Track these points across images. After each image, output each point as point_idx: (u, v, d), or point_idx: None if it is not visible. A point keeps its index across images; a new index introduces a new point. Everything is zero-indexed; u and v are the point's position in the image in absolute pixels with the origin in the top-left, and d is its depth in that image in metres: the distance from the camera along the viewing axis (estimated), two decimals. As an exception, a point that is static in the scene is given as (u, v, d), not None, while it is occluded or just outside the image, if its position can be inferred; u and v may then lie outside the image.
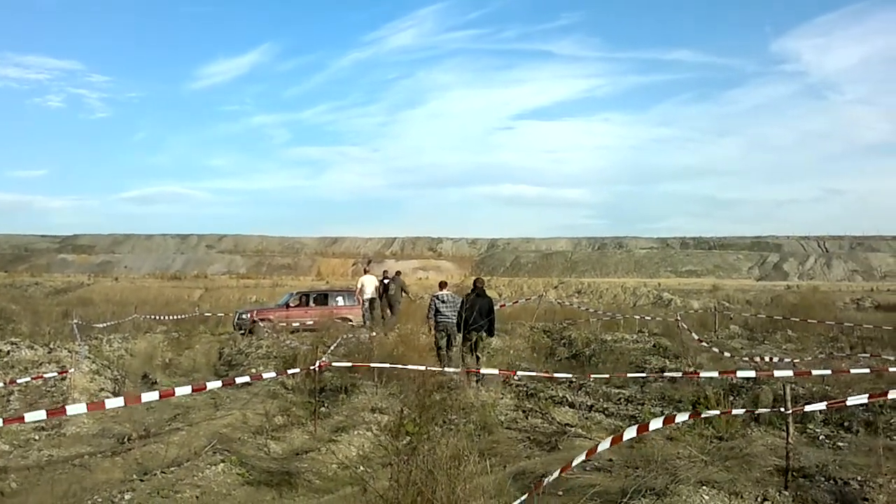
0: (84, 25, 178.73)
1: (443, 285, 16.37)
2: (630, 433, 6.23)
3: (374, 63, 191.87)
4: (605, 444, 6.16)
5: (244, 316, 25.08)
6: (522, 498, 5.05)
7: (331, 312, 24.35)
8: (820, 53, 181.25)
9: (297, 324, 23.86)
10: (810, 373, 9.57)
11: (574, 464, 5.56)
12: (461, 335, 14.44)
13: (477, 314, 14.21)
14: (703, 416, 8.07)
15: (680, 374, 11.99)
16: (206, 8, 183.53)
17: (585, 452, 5.76)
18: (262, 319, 24.50)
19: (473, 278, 16.70)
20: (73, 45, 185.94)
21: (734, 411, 7.77)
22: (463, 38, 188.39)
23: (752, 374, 10.47)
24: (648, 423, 6.45)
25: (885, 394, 7.04)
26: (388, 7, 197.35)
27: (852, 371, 10.42)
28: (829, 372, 10.44)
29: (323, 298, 26.24)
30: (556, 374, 11.70)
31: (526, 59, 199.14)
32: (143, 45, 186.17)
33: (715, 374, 11.16)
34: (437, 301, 15.51)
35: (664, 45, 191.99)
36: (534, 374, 12.05)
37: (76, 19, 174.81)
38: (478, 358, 14.19)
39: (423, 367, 11.38)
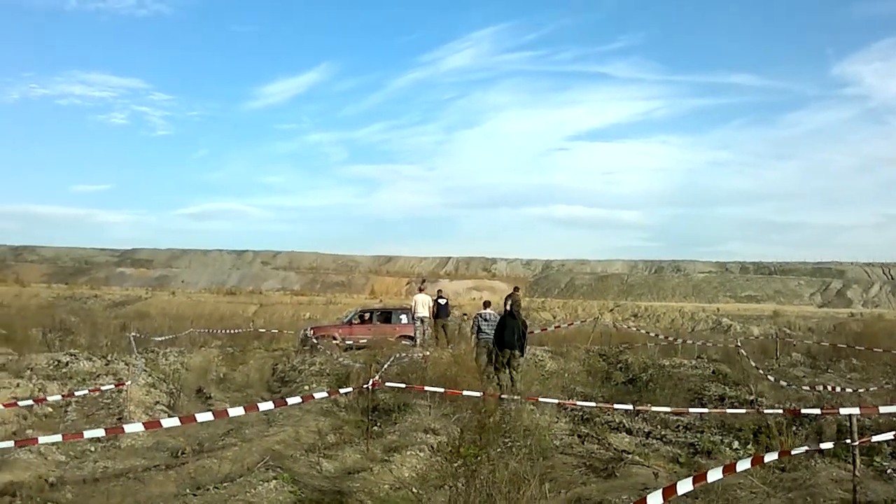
0: (148, 44, 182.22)
1: (486, 304, 17.46)
2: (685, 486, 5.91)
3: (430, 83, 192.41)
4: (686, 486, 5.85)
5: (308, 332, 25.19)
6: None
7: (393, 330, 24.35)
8: (882, 77, 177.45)
9: (364, 340, 23.79)
10: (877, 409, 9.19)
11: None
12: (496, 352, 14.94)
13: (509, 333, 14.77)
14: (766, 459, 7.77)
15: (743, 411, 11.64)
16: (266, 28, 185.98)
17: (661, 491, 5.49)
18: (325, 336, 24.58)
19: (507, 296, 17.78)
20: (136, 64, 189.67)
21: (795, 451, 7.46)
22: (519, 59, 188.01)
23: (816, 411, 10.12)
24: (706, 472, 6.14)
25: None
26: (446, 28, 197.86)
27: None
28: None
29: (386, 316, 26.22)
30: (615, 406, 11.44)
31: (582, 80, 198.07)
32: (205, 64, 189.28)
33: (779, 412, 10.85)
34: (479, 319, 16.47)
35: (723, 69, 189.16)
36: (592, 405, 11.80)
37: (140, 38, 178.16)
38: (512, 378, 14.63)
39: (479, 393, 11.26)
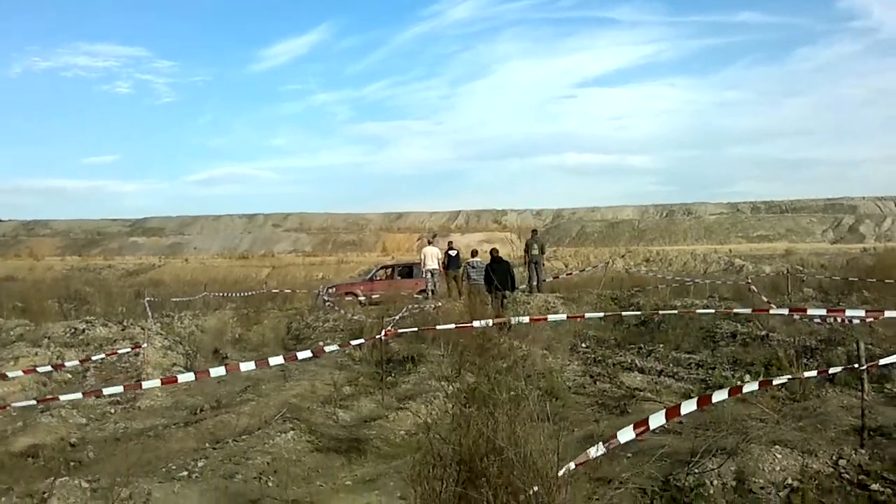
0: (148, 12, 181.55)
1: (474, 253, 21.08)
2: (689, 406, 6.00)
3: (433, 37, 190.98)
4: (689, 406, 5.93)
5: (331, 290, 25.31)
6: (599, 449, 4.96)
7: (415, 285, 24.37)
8: (890, 8, 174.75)
9: (386, 295, 23.54)
10: (882, 312, 9.23)
11: (623, 439, 5.42)
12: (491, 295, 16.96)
13: (500, 277, 16.98)
14: (773, 383, 7.86)
15: (749, 311, 11.72)
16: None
17: (665, 412, 5.59)
18: (347, 293, 24.66)
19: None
20: (138, 33, 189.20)
21: (806, 374, 7.52)
22: (521, 7, 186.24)
23: (822, 311, 10.19)
24: (711, 395, 6.21)
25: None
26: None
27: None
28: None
29: (407, 271, 26.20)
30: (623, 313, 11.48)
31: (586, 26, 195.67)
32: (206, 30, 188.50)
33: (785, 311, 10.93)
34: (468, 267, 20.08)
35: (728, 7, 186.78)
36: (600, 315, 11.79)
37: (141, 6, 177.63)
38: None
39: (486, 323, 11.29)
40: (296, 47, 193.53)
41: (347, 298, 24.01)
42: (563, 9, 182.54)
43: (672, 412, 5.61)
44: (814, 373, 7.42)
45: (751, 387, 6.53)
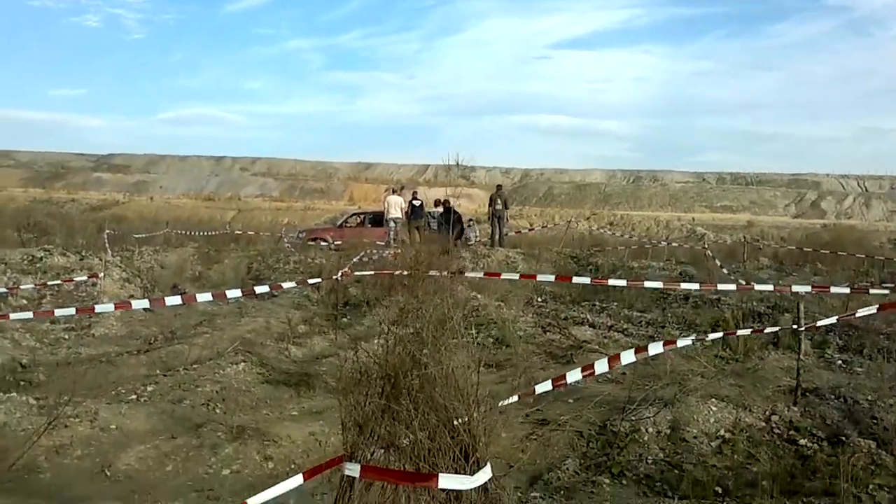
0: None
1: (436, 203, 24.48)
2: (628, 356, 6.17)
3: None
4: (602, 366, 6.11)
5: (301, 234, 25.32)
6: (513, 399, 5.13)
7: (385, 233, 24.41)
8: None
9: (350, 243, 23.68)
10: (828, 288, 9.53)
11: (570, 380, 5.61)
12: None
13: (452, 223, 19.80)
14: (709, 338, 8.09)
15: (697, 287, 11.97)
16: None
17: (580, 368, 5.79)
18: (315, 238, 24.64)
19: (442, 200, 24.55)
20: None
21: (739, 331, 7.75)
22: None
23: (769, 287, 10.46)
24: (647, 346, 6.39)
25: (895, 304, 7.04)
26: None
27: (871, 292, 10.34)
28: (847, 290, 10.35)
29: (378, 219, 26.12)
30: (574, 279, 11.67)
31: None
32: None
33: (733, 286, 11.18)
34: (429, 217, 23.40)
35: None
36: (552, 278, 11.98)
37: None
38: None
39: (443, 273, 11.41)
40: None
41: (315, 243, 24.01)
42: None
43: (613, 360, 5.79)
44: (748, 331, 7.66)
45: (685, 341, 6.73)
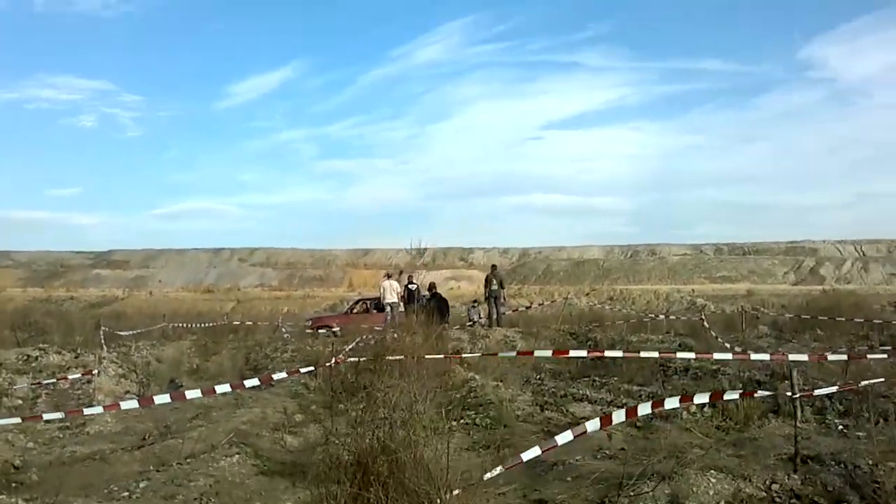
0: (114, 46, 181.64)
1: (430, 287, 24.37)
2: (645, 409, 6.21)
3: (401, 78, 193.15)
4: (619, 416, 6.12)
5: (308, 322, 25.49)
6: (497, 470, 5.09)
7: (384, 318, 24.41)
8: (847, 59, 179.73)
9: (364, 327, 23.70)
10: (825, 356, 9.49)
11: (560, 442, 5.59)
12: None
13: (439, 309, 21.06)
14: (696, 401, 8.02)
15: (693, 356, 11.94)
16: (235, 25, 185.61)
17: (572, 431, 5.79)
18: (322, 326, 24.65)
19: (429, 283, 25.34)
20: (104, 66, 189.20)
21: (727, 395, 7.71)
22: (490, 51, 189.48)
23: (766, 357, 10.40)
24: (664, 399, 6.42)
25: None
26: (415, 22, 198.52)
27: (869, 357, 10.30)
28: (844, 357, 10.31)
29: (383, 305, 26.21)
30: (571, 353, 11.65)
31: (553, 70, 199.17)
32: (173, 64, 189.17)
33: (729, 355, 11.14)
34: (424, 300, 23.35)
35: (691, 55, 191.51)
36: (548, 353, 11.96)
37: (107, 40, 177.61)
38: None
39: (441, 356, 11.38)
40: (264, 84, 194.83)
41: (322, 331, 24.01)
42: (529, 52, 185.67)
43: (605, 420, 5.80)
44: (736, 394, 7.60)
45: (672, 403, 6.71)
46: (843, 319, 20.36)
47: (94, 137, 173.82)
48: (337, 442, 3.10)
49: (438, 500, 3.01)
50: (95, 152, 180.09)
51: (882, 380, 7.20)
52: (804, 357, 10.02)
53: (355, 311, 26.41)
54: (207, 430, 10.05)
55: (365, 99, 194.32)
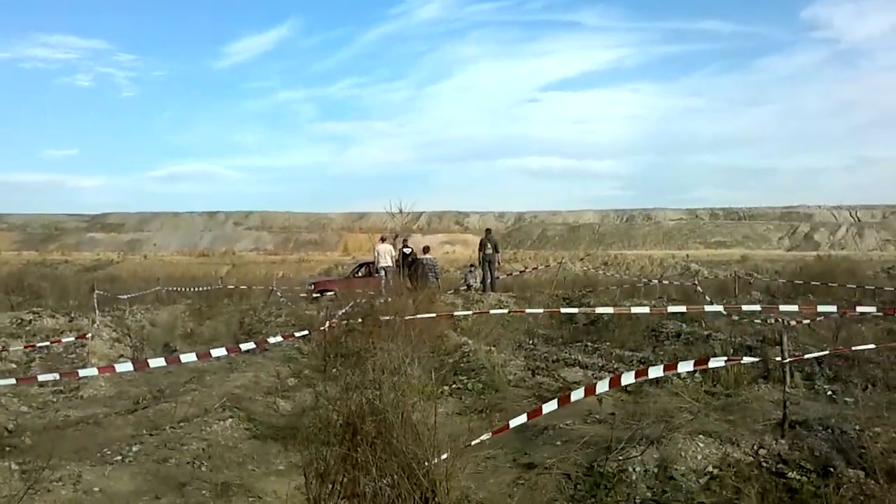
0: (109, 4, 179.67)
1: (425, 250, 25.09)
2: (629, 378, 6.26)
3: (400, 37, 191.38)
4: (603, 386, 6.18)
5: (310, 286, 25.55)
6: (485, 436, 5.13)
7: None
8: (851, 20, 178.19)
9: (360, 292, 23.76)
10: (815, 308, 9.54)
11: (546, 410, 5.64)
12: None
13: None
14: (680, 368, 8.06)
15: (684, 308, 11.97)
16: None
17: (557, 399, 5.83)
18: (324, 290, 24.71)
19: (423, 246, 25.99)
20: (99, 25, 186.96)
21: (712, 362, 7.75)
22: (489, 9, 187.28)
23: (756, 307, 10.47)
24: (647, 368, 6.47)
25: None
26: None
27: (858, 309, 10.34)
28: (834, 308, 10.32)
29: None
30: (562, 310, 11.68)
31: (552, 29, 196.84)
32: (168, 23, 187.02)
33: (721, 308, 11.19)
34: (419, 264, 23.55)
35: (692, 15, 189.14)
36: (539, 311, 11.97)
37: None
38: None
39: (433, 315, 11.37)
40: (260, 44, 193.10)
41: (326, 294, 24.07)
42: (529, 11, 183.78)
43: (589, 390, 5.84)
44: (721, 361, 7.63)
45: (655, 372, 6.75)
46: (836, 285, 20.42)
47: (90, 98, 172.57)
48: (328, 404, 3.12)
49: (426, 462, 3.04)
50: (91, 113, 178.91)
51: (872, 346, 7.22)
52: (794, 307, 10.04)
53: (359, 274, 26.42)
54: (201, 395, 10.10)
55: (363, 59, 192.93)
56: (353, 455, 3.01)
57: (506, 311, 11.88)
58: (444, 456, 3.11)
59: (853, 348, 7.25)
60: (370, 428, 3.07)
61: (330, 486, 2.98)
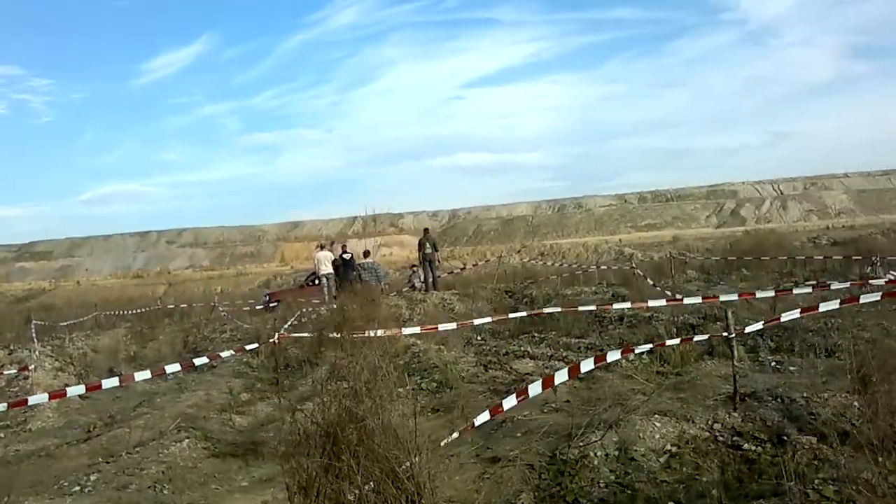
0: (19, 29, 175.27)
1: (365, 254, 25.09)
2: (588, 365, 6.38)
3: (319, 44, 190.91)
4: (562, 376, 6.29)
5: (265, 297, 25.75)
6: (454, 436, 5.19)
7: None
8: (758, 0, 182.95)
9: (317, 301, 23.66)
10: (754, 294, 9.81)
11: (506, 406, 5.71)
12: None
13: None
14: (637, 350, 8.26)
15: (629, 305, 12.20)
16: (139, 2, 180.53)
17: (516, 393, 5.92)
18: (276, 301, 24.71)
19: (363, 251, 25.85)
20: (10, 51, 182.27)
21: (669, 342, 7.92)
22: (406, 11, 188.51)
23: (698, 300, 10.70)
24: (606, 353, 6.60)
25: (817, 307, 7.27)
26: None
27: (795, 292, 10.67)
28: (772, 294, 10.66)
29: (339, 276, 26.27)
30: (510, 315, 11.81)
31: (469, 27, 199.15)
32: (82, 44, 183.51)
33: (663, 302, 11.40)
34: (359, 268, 23.79)
35: (605, 4, 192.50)
36: (489, 320, 12.11)
37: (9, 24, 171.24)
38: None
39: (381, 332, 11.41)
40: (179, 59, 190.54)
41: (276, 305, 24.07)
42: (445, 11, 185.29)
43: (548, 381, 5.92)
44: (677, 340, 7.82)
45: (613, 356, 6.89)
46: (768, 258, 20.95)
47: (6, 125, 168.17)
48: (303, 414, 3.13)
49: (408, 464, 3.08)
50: (9, 141, 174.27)
51: (798, 312, 7.46)
52: (734, 296, 10.31)
53: (314, 283, 26.41)
54: (153, 417, 9.98)
55: (285, 68, 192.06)
56: (336, 464, 3.03)
57: (453, 325, 11.93)
58: (424, 457, 3.16)
59: (783, 316, 7.46)
60: (352, 436, 3.09)
61: (314, 497, 3.01)
